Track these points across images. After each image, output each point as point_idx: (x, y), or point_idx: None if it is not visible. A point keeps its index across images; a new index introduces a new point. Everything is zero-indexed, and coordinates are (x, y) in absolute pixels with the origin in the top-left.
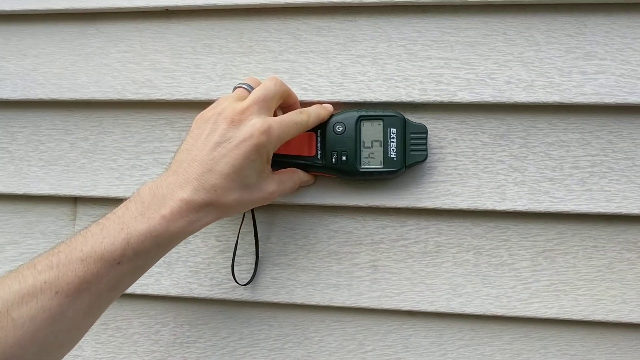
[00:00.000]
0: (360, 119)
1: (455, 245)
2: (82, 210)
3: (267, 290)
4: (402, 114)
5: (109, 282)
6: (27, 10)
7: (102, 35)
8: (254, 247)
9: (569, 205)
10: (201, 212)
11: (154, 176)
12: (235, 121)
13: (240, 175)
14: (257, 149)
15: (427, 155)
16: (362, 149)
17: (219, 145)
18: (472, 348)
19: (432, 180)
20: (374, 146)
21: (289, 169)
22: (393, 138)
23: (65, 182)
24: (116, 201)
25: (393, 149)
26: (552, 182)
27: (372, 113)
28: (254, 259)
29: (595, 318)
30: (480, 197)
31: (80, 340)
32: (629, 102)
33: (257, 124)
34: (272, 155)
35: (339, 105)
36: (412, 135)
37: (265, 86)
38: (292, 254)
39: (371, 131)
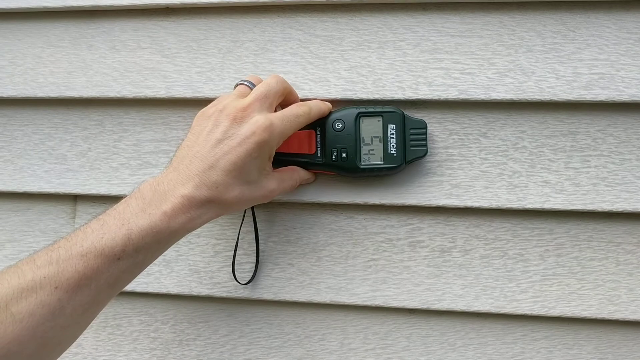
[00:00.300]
0: (359, 115)
1: (455, 243)
2: (82, 208)
3: (267, 288)
4: (402, 110)
5: (109, 278)
6: (27, 8)
7: (102, 32)
8: (254, 246)
9: (569, 202)
10: (202, 209)
11: (154, 174)
12: (238, 118)
13: (242, 172)
14: (260, 146)
15: (427, 151)
16: (362, 145)
17: (220, 142)
18: (473, 345)
19: (433, 178)
20: (374, 142)
21: (289, 167)
22: (393, 134)
23: (65, 180)
24: (116, 199)
25: (393, 145)
26: (553, 180)
27: (372, 109)
28: (254, 257)
29: (595, 315)
30: (480, 194)
31: (80, 338)
32: (629, 99)
33: (259, 121)
34: (274, 152)
35: (339, 103)
36: (411, 130)
37: (267, 83)
38: (292, 252)
39: (371, 127)
